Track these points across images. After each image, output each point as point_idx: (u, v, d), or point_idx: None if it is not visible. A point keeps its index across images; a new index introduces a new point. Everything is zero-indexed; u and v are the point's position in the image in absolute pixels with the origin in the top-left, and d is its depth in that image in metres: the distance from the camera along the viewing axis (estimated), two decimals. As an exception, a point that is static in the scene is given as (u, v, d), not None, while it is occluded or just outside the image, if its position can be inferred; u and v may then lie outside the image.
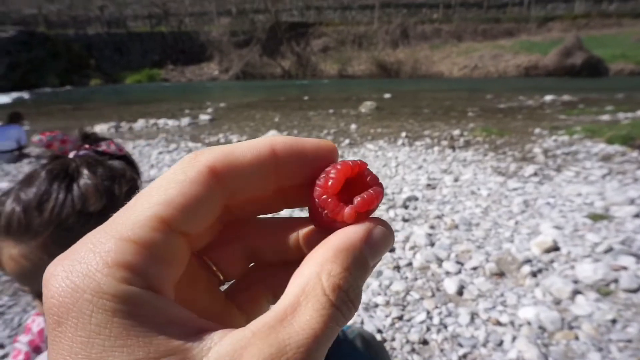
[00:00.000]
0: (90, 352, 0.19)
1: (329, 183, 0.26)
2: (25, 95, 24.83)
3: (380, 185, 0.27)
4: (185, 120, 10.63)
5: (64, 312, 0.19)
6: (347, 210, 0.26)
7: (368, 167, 0.27)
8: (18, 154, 6.44)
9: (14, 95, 23.71)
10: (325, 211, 0.26)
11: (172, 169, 0.24)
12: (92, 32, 43.13)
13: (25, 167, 6.03)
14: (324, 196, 0.26)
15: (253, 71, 41.23)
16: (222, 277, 0.31)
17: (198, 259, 0.29)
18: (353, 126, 9.33)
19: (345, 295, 0.23)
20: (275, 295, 0.32)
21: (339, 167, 0.26)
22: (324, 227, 0.27)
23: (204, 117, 11.29)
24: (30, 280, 0.76)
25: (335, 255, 0.24)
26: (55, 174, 0.78)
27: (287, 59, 42.74)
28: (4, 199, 0.77)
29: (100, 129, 9.80)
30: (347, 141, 7.55)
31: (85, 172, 0.80)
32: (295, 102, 15.88)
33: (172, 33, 45.37)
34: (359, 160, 0.27)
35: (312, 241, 0.30)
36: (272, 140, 0.27)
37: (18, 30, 36.35)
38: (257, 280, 0.32)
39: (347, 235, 0.25)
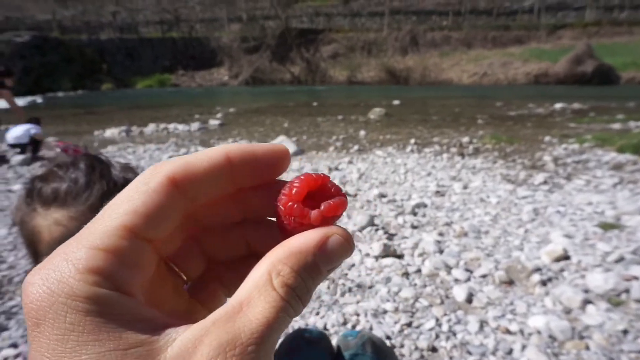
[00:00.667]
0: (65, 346, 0.21)
1: (293, 191, 0.28)
2: (39, 99, 25.21)
3: (344, 195, 0.29)
4: (195, 125, 10.72)
5: (42, 315, 0.21)
6: (314, 213, 0.28)
7: (331, 180, 0.30)
8: (32, 157, 6.55)
9: (28, 99, 24.05)
10: (293, 217, 0.28)
11: (135, 181, 0.26)
12: (104, 38, 43.73)
13: (38, 170, 6.13)
14: (290, 203, 0.28)
15: (263, 77, 41.42)
16: (185, 278, 0.34)
17: (164, 263, 0.32)
18: (362, 132, 9.34)
19: (293, 292, 0.25)
20: (230, 290, 0.35)
21: (302, 177, 0.29)
22: (289, 233, 0.28)
23: (213, 122, 11.37)
24: None
25: (287, 257, 0.26)
26: (95, 160, 0.91)
27: (296, 65, 42.93)
28: (43, 179, 0.87)
29: (112, 133, 9.93)
30: (356, 147, 7.57)
31: (114, 161, 0.96)
32: (305, 108, 15.92)
33: (182, 39, 45.86)
34: (322, 174, 0.29)
35: (259, 241, 0.33)
36: (227, 147, 0.29)
37: (32, 35, 36.96)
38: (214, 278, 0.35)
39: (303, 239, 0.27)
